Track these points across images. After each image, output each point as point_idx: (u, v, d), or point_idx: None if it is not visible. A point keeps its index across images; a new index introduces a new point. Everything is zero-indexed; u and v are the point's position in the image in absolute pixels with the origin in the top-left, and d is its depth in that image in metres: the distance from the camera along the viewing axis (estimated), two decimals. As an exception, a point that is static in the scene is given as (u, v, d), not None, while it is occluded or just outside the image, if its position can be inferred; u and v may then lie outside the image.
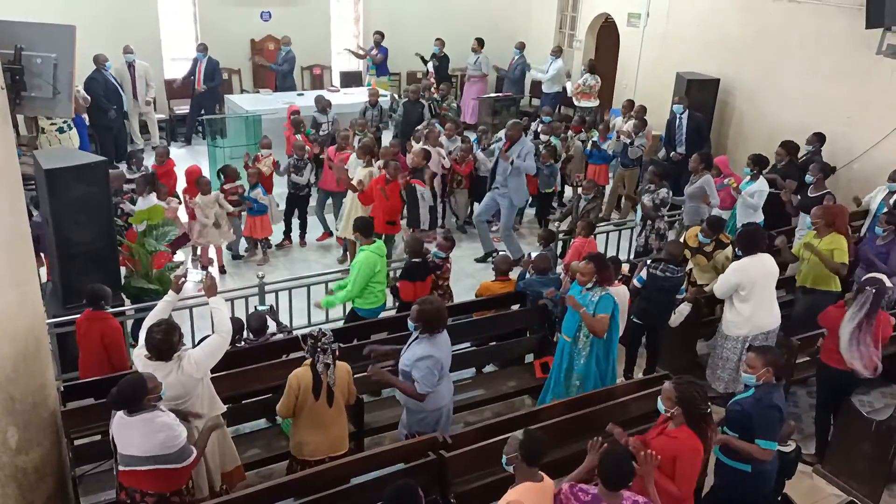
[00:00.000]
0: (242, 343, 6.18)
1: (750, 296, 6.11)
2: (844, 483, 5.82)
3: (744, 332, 6.20)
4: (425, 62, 14.01)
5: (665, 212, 8.45)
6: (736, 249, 6.50)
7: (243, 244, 9.41)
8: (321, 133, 10.64)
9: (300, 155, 9.30)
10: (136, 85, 12.24)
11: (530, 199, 10.13)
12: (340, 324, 7.14)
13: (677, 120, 10.57)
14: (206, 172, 9.49)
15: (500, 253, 7.38)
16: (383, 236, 8.48)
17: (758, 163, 8.23)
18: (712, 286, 6.69)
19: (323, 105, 10.89)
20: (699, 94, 10.86)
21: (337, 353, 4.83)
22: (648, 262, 6.76)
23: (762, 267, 6.19)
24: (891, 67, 8.76)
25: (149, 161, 9.59)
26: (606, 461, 3.84)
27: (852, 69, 9.49)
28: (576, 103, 13.04)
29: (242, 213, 8.98)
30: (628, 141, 10.31)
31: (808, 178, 8.18)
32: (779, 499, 5.02)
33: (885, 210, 7.53)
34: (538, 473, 3.89)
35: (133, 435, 4.12)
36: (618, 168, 10.87)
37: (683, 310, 6.78)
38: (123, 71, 12.08)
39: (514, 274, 7.22)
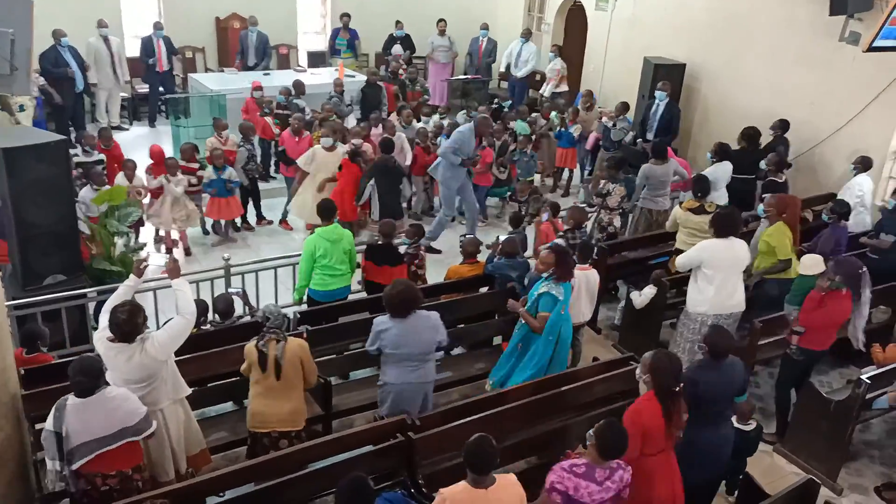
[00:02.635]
0: (208, 326, 6.12)
1: (714, 277, 6.15)
2: (804, 462, 5.95)
3: (703, 309, 6.21)
4: (395, 41, 13.85)
5: (613, 202, 8.42)
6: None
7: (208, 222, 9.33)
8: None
9: (247, 134, 9.18)
10: (115, 61, 11.96)
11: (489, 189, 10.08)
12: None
13: (654, 106, 10.55)
14: (169, 153, 9.35)
15: (468, 236, 7.37)
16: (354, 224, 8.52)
17: (718, 152, 8.61)
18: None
19: (299, 90, 10.80)
20: (666, 78, 10.90)
21: (287, 330, 4.97)
22: (560, 234, 7.00)
23: (731, 251, 6.17)
24: (853, 54, 8.89)
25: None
26: (606, 432, 3.93)
27: (816, 56, 9.61)
28: (549, 90, 13.06)
29: (203, 194, 8.88)
30: (610, 124, 10.34)
31: (762, 164, 8.35)
32: (740, 477, 5.13)
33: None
34: (483, 479, 3.76)
35: (96, 416, 4.07)
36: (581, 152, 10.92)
37: (648, 292, 6.86)
38: (100, 46, 11.81)
39: (482, 257, 7.23)
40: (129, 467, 4.25)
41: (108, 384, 4.20)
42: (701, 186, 7.36)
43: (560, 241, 6.77)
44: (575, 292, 5.95)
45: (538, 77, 13.77)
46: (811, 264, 6.04)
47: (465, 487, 3.76)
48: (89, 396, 4.08)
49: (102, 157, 8.72)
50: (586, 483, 3.90)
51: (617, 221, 8.32)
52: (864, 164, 8.13)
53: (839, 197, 7.95)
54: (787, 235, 6.66)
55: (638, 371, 4.53)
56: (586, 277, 6.24)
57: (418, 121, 10.65)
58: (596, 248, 6.83)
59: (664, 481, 4.36)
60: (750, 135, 9.12)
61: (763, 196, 7.98)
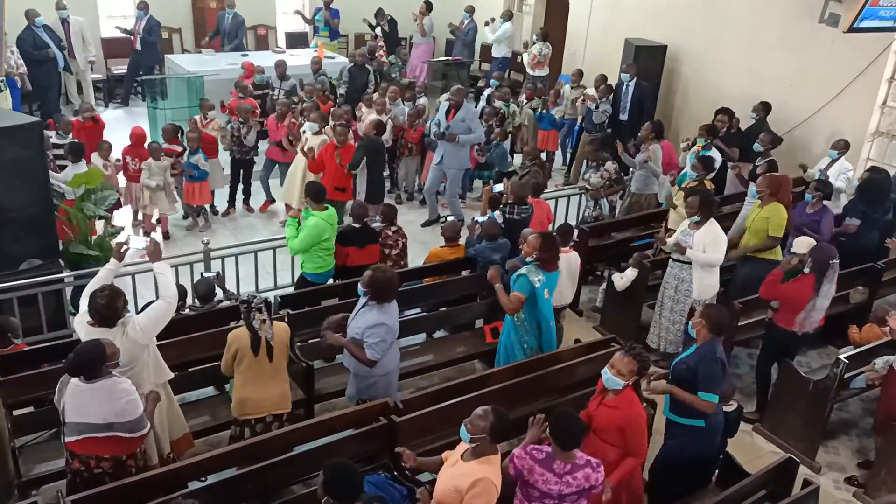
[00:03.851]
0: (187, 310, 6.06)
1: None
2: (783, 440, 6.02)
3: (714, 292, 6.33)
4: (373, 27, 13.79)
5: (616, 185, 8.51)
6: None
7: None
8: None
9: (245, 118, 9.06)
10: (72, 42, 11.73)
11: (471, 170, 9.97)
12: (289, 290, 7.08)
13: (624, 87, 10.58)
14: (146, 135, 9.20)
15: (449, 219, 7.35)
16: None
17: (710, 132, 8.62)
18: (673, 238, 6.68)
19: (280, 72, 10.68)
20: (647, 60, 10.89)
21: (269, 311, 4.89)
22: (500, 208, 7.12)
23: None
24: (831, 36, 8.89)
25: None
26: (558, 423, 3.89)
27: (795, 38, 9.63)
28: (529, 72, 12.98)
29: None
30: (593, 106, 10.31)
31: (757, 146, 8.36)
32: (721, 457, 5.18)
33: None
34: (495, 445, 3.86)
35: (91, 402, 4.03)
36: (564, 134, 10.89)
37: (630, 274, 6.88)
38: (57, 28, 11.56)
39: (462, 240, 7.22)
40: (122, 454, 4.22)
41: (112, 374, 4.09)
42: (712, 166, 7.62)
43: (497, 215, 6.86)
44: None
45: (519, 59, 13.70)
46: (802, 244, 6.07)
47: (495, 457, 3.80)
48: (79, 377, 4.02)
49: (76, 140, 8.54)
50: (541, 470, 3.87)
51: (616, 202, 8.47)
52: (846, 148, 8.16)
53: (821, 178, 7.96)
54: (784, 215, 6.70)
55: (615, 379, 4.34)
56: (567, 260, 6.23)
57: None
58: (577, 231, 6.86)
59: None
60: (731, 112, 9.18)
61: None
